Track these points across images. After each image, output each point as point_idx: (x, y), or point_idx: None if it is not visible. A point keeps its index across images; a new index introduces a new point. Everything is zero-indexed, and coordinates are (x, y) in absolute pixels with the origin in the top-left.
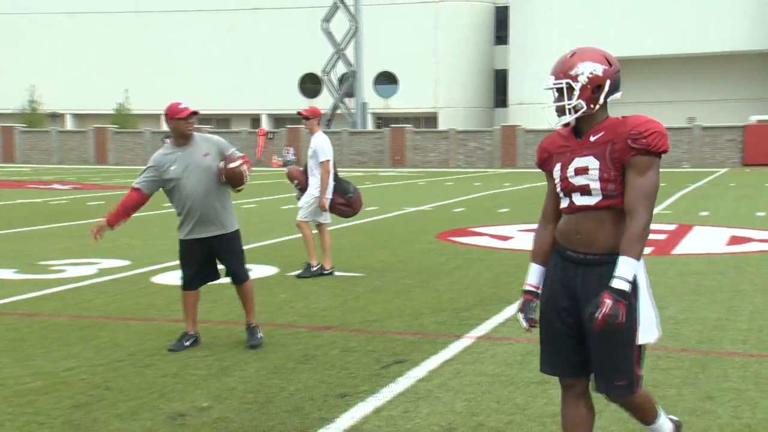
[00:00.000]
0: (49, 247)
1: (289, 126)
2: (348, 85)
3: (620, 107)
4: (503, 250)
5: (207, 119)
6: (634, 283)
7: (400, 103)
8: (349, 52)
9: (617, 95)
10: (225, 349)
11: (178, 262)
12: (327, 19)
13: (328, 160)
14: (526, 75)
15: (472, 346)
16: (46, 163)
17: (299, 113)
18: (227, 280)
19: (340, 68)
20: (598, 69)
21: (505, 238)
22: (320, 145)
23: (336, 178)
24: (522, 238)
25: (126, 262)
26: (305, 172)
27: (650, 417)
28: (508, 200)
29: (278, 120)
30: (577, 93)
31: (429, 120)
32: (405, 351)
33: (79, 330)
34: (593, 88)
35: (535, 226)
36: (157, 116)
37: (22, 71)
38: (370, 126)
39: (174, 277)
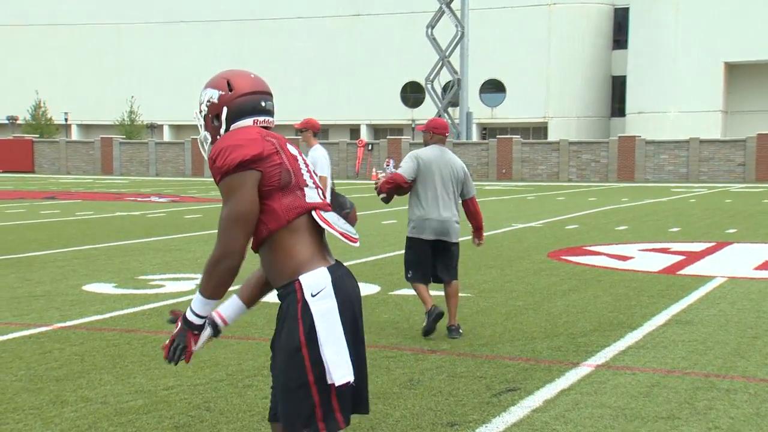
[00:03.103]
0: (148, 262)
1: (389, 137)
2: (452, 94)
3: (745, 116)
4: (623, 271)
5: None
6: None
7: (507, 112)
8: (455, 59)
9: (246, 122)
10: None
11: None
12: (432, 25)
13: (325, 177)
14: (647, 82)
15: (592, 375)
16: (143, 175)
17: (295, 126)
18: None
19: (445, 76)
20: (215, 95)
21: (624, 258)
22: (318, 158)
23: (332, 193)
24: (643, 258)
25: None
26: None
27: None
28: (626, 217)
29: (378, 131)
30: (202, 124)
31: (538, 130)
32: (517, 378)
33: None
34: (213, 117)
35: (658, 245)
36: None
37: (121, 82)
38: (475, 137)
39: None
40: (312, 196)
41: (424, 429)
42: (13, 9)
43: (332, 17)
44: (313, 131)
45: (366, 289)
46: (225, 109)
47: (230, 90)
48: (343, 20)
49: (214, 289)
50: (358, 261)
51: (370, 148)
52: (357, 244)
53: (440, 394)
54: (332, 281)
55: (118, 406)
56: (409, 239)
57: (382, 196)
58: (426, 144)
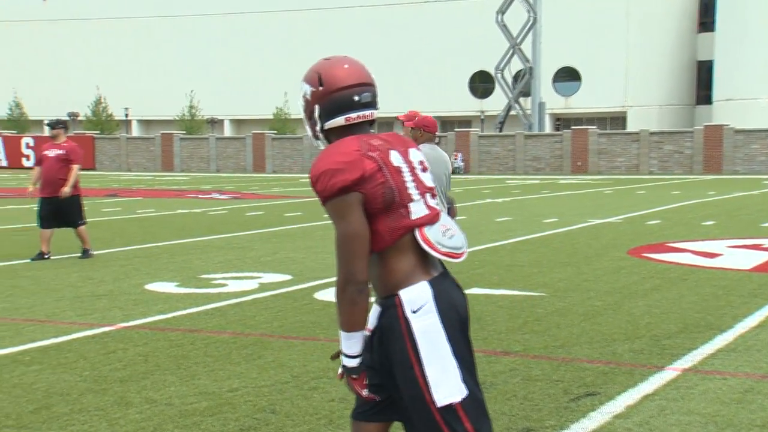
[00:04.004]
0: (210, 260)
1: (457, 129)
2: (524, 84)
3: None
4: (710, 269)
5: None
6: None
7: (582, 102)
8: (526, 46)
9: (338, 120)
10: None
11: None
12: (502, 11)
13: None
14: (736, 66)
15: (678, 379)
16: (204, 171)
17: (398, 118)
18: None
19: (516, 65)
20: (308, 91)
21: (711, 255)
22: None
23: None
24: (733, 255)
25: (287, 277)
26: None
27: None
28: (713, 211)
29: (446, 123)
30: (305, 119)
31: (616, 120)
32: (597, 382)
33: (243, 348)
34: (309, 114)
35: (748, 241)
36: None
37: (182, 76)
38: (548, 128)
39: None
40: (418, 210)
41: None
42: (73, 4)
43: (398, 5)
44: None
45: None
46: (317, 107)
47: (321, 85)
48: (409, 8)
49: (349, 320)
50: None
51: (437, 141)
52: (461, 259)
53: (515, 398)
54: (434, 295)
55: (183, 408)
56: None
57: None
58: (417, 142)
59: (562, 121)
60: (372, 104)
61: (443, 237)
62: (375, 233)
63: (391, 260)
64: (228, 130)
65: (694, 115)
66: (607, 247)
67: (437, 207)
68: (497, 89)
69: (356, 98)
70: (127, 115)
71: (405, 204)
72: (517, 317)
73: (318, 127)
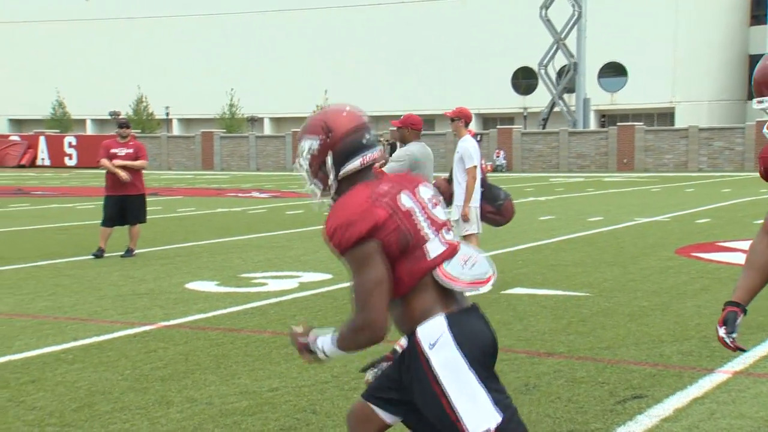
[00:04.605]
0: (250, 259)
1: (499, 126)
2: (568, 79)
3: None
4: None
5: None
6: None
7: (628, 97)
8: (570, 41)
9: (355, 163)
10: None
11: None
12: (546, 6)
13: (475, 166)
14: None
15: (728, 382)
16: (244, 170)
17: (445, 114)
18: None
19: (560, 60)
20: (314, 144)
21: None
22: (467, 149)
23: (485, 184)
24: None
25: (328, 276)
26: (450, 181)
27: None
28: (766, 210)
29: (488, 120)
30: (307, 175)
31: (664, 117)
32: (644, 384)
33: (283, 348)
34: (317, 167)
35: None
36: None
37: (222, 75)
38: (592, 125)
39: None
40: (434, 248)
41: None
42: (115, 4)
43: (438, 0)
44: (465, 120)
45: None
46: (330, 155)
47: (329, 134)
48: (451, 3)
49: (347, 348)
50: None
51: (479, 138)
52: (487, 287)
53: (559, 400)
54: (449, 326)
55: (223, 408)
56: None
57: None
58: (405, 140)
59: (607, 118)
60: (376, 145)
61: (464, 268)
62: (395, 279)
63: (412, 301)
64: (268, 129)
65: (745, 111)
66: (654, 246)
67: (455, 240)
68: (540, 85)
69: (364, 140)
70: (167, 114)
71: (420, 245)
72: (561, 318)
73: (332, 177)
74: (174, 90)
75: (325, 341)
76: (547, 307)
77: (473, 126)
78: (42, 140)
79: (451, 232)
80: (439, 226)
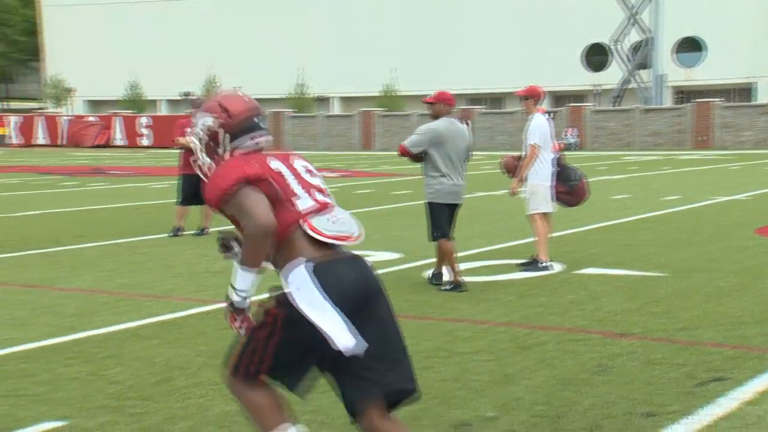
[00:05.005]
0: None
1: (571, 104)
2: (642, 55)
3: None
4: None
5: (477, 99)
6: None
7: (706, 73)
8: (645, 16)
9: (246, 142)
10: (507, 354)
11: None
12: None
13: (536, 145)
14: None
15: None
16: (313, 149)
17: (516, 93)
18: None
19: (633, 36)
20: (211, 121)
21: None
22: (532, 127)
23: (560, 164)
24: None
25: (398, 255)
26: (520, 159)
27: (265, 427)
28: None
29: (558, 98)
30: (199, 149)
31: (742, 93)
32: (724, 367)
33: None
34: (213, 143)
35: None
36: (425, 96)
37: (291, 54)
38: (668, 101)
39: (448, 273)
40: (303, 203)
41: (617, 418)
42: None
43: None
44: (534, 99)
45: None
46: (225, 134)
47: (227, 114)
48: None
49: (254, 259)
50: (511, 243)
51: (551, 116)
52: (353, 242)
53: (634, 381)
54: (313, 271)
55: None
56: (431, 204)
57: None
58: (437, 116)
59: (683, 94)
60: (267, 129)
61: (330, 224)
62: None
63: (286, 247)
64: (337, 108)
65: None
66: (733, 225)
67: (329, 201)
68: (613, 62)
69: (256, 120)
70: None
71: (290, 198)
72: (635, 298)
73: (221, 151)
74: (244, 70)
75: (233, 280)
76: (620, 288)
77: (545, 104)
78: (117, 121)
79: (327, 197)
80: (310, 187)
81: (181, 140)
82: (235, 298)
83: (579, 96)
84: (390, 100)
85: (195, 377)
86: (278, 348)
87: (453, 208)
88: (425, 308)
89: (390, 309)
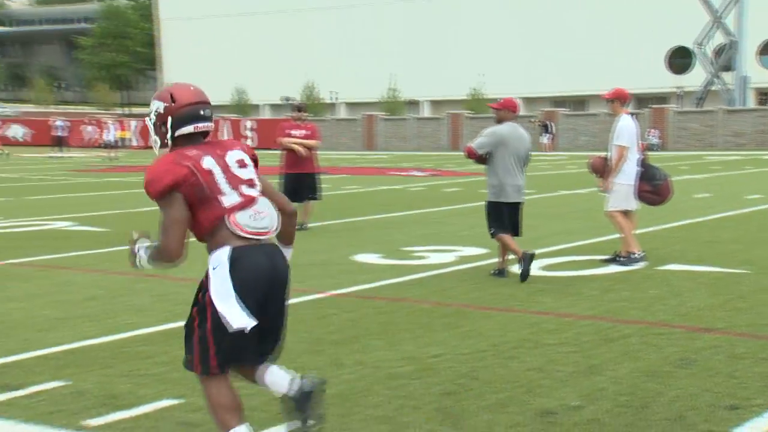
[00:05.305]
0: (411, 233)
1: (653, 106)
2: (726, 58)
3: None
4: None
5: (561, 101)
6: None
7: None
8: (729, 19)
9: (188, 128)
10: (592, 346)
11: (538, 251)
12: None
13: (624, 147)
14: None
15: None
16: (404, 150)
17: (603, 96)
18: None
19: (717, 39)
20: (161, 107)
21: None
22: (620, 128)
23: (644, 164)
24: None
25: (484, 251)
26: (607, 159)
27: (218, 423)
28: None
29: (641, 100)
30: (151, 130)
31: None
32: None
33: (443, 317)
34: (160, 125)
35: None
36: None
37: (383, 61)
38: (751, 103)
39: (534, 267)
40: (229, 199)
41: (701, 410)
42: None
43: None
44: (621, 101)
45: (603, 268)
46: (170, 119)
47: (173, 102)
48: None
49: (155, 264)
50: (595, 240)
51: (634, 115)
52: (268, 237)
53: (718, 375)
54: (229, 257)
55: (390, 371)
56: (492, 203)
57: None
58: (502, 120)
59: (766, 96)
60: (210, 119)
61: (251, 220)
62: (196, 222)
63: (213, 237)
64: (426, 111)
65: None
66: None
67: (254, 194)
68: (695, 65)
69: (201, 112)
70: (336, 99)
71: (216, 196)
72: (718, 294)
73: (169, 136)
74: (340, 76)
75: (144, 251)
76: (703, 284)
77: (627, 105)
78: (224, 124)
79: (253, 188)
80: (239, 182)
81: (283, 141)
82: (137, 262)
83: (661, 98)
84: (477, 103)
85: (296, 362)
86: (216, 329)
87: (514, 206)
88: (511, 301)
89: (287, 295)
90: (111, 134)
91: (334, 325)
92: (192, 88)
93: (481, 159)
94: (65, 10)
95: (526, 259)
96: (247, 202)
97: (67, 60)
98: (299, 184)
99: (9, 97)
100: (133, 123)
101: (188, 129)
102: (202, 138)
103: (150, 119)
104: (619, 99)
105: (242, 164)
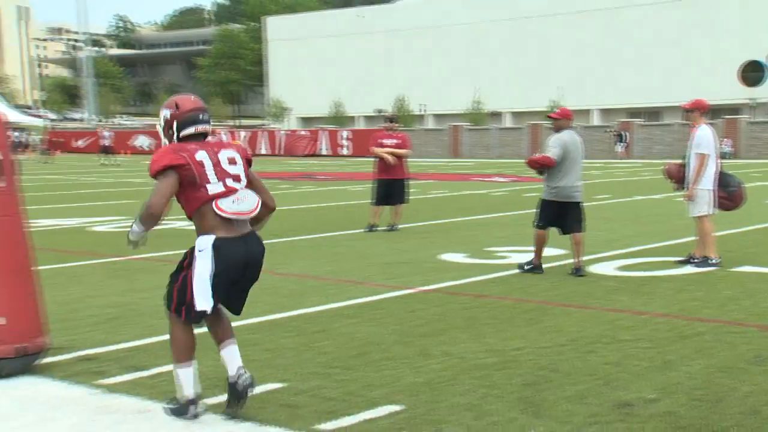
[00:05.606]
0: (493, 235)
1: (726, 117)
2: None
3: None
4: None
5: (636, 112)
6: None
7: None
8: None
9: (190, 130)
10: (667, 343)
11: (614, 252)
12: None
13: (705, 154)
14: None
15: None
16: (486, 157)
17: (683, 107)
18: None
19: None
20: (168, 113)
21: None
22: (699, 137)
23: (720, 172)
24: None
25: (563, 251)
26: (683, 166)
27: (175, 357)
28: None
29: (714, 111)
30: (161, 133)
31: None
32: None
33: (524, 313)
34: (168, 128)
35: None
36: (586, 111)
37: (468, 76)
38: None
39: (610, 268)
40: (214, 188)
41: None
42: (382, 19)
43: (656, 4)
44: (700, 111)
45: (677, 269)
46: (175, 122)
47: (177, 109)
48: (679, 2)
49: (144, 223)
50: (669, 243)
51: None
52: (251, 215)
53: None
54: (213, 244)
55: (474, 362)
56: (548, 202)
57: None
58: (560, 129)
59: None
60: (208, 122)
61: (232, 204)
62: (185, 200)
63: (200, 221)
64: (508, 121)
65: None
66: None
67: (237, 187)
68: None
69: (200, 116)
70: (425, 110)
71: (203, 184)
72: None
73: (175, 137)
74: (428, 90)
75: (134, 221)
76: None
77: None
78: (323, 134)
79: (237, 182)
80: (225, 176)
81: (378, 151)
82: (131, 237)
83: (733, 109)
84: None
85: (388, 352)
86: (190, 279)
87: (575, 204)
88: (588, 299)
89: (259, 270)
90: None
91: (422, 319)
92: (192, 97)
93: (542, 170)
94: (186, 34)
95: (535, 268)
96: (229, 192)
97: (187, 78)
98: (390, 188)
99: (137, 112)
100: (242, 133)
101: (190, 130)
102: (202, 138)
103: (160, 125)
104: (698, 109)
105: (232, 161)
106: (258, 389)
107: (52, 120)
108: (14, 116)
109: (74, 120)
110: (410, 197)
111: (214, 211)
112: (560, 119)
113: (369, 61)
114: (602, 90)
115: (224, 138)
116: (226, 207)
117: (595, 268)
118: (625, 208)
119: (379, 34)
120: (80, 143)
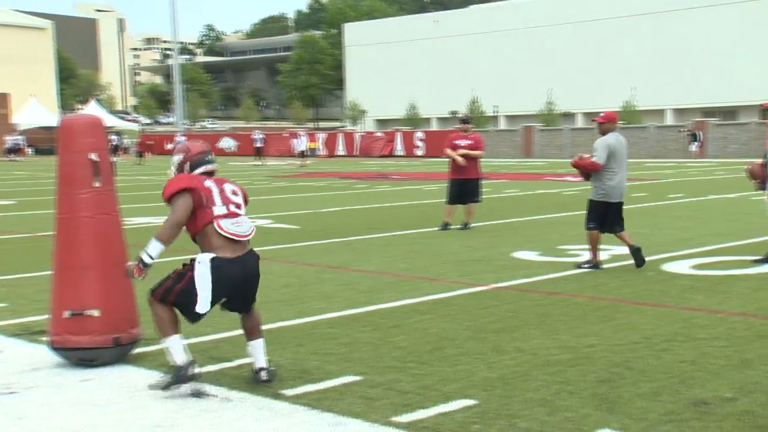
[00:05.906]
0: (565, 233)
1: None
2: None
3: None
4: None
5: (711, 112)
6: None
7: None
8: None
9: (201, 169)
10: (744, 342)
11: (688, 251)
12: None
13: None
14: None
15: None
16: (558, 158)
17: (763, 106)
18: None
19: None
20: (180, 157)
21: None
22: None
23: None
24: None
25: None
26: (764, 167)
27: (162, 332)
28: None
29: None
30: (174, 172)
31: None
32: None
33: (597, 310)
34: (181, 168)
35: None
36: (660, 111)
37: (539, 78)
38: None
39: (685, 266)
40: (218, 210)
41: None
42: (457, 23)
43: (731, 4)
44: None
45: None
46: (188, 163)
47: (189, 152)
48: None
49: (165, 239)
50: (745, 242)
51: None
52: (246, 238)
53: None
54: (211, 263)
55: (547, 358)
56: (597, 202)
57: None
58: (605, 132)
59: None
60: (214, 162)
61: (231, 225)
62: (192, 219)
63: (204, 240)
64: (580, 122)
65: None
66: None
67: (238, 213)
68: None
69: (207, 158)
70: (497, 111)
71: (210, 207)
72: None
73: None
74: (501, 92)
75: (148, 245)
76: None
77: None
78: (398, 135)
79: (239, 209)
80: (229, 202)
81: (450, 152)
82: (147, 260)
83: None
84: (629, 115)
85: (462, 347)
86: (181, 291)
87: (618, 205)
88: (662, 297)
89: (256, 285)
90: (302, 144)
91: (495, 315)
92: (200, 143)
93: (588, 174)
94: (270, 41)
95: (595, 266)
96: (231, 215)
97: (270, 83)
98: (463, 188)
99: (223, 116)
100: (321, 135)
101: (201, 169)
102: (210, 175)
103: (174, 164)
104: None
105: (234, 193)
106: (335, 381)
107: (145, 124)
108: (111, 121)
109: (164, 124)
110: (483, 196)
111: (216, 231)
112: (605, 123)
113: (443, 64)
114: (676, 89)
115: (304, 139)
116: (226, 227)
117: (668, 267)
118: (699, 207)
119: (452, 38)
120: (170, 146)
